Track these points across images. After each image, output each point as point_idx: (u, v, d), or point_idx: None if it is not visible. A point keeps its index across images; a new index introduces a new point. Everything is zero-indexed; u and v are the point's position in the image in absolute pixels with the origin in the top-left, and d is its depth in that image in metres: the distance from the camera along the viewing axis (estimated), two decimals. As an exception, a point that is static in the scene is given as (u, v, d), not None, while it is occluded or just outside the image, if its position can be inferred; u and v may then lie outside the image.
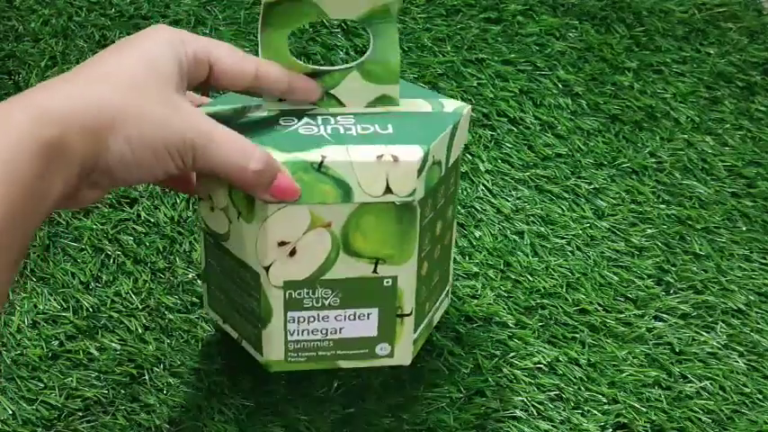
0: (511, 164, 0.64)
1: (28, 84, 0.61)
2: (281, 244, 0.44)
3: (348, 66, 0.46)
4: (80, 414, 0.52)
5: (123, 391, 0.53)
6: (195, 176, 0.47)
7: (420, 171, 0.43)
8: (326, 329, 0.47)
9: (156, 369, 0.54)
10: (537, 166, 0.65)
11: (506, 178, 0.64)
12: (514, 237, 0.62)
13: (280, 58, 0.45)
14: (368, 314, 0.46)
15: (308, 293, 0.45)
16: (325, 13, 0.45)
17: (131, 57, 0.39)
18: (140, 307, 0.56)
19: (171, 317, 0.56)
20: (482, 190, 0.63)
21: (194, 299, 0.56)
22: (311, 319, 0.46)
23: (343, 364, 0.48)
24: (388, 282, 0.45)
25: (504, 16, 0.69)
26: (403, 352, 0.48)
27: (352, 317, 0.46)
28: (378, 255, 0.44)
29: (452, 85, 0.66)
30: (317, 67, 0.46)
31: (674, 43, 0.71)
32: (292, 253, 0.44)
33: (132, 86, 0.38)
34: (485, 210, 0.62)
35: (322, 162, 0.42)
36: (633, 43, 0.70)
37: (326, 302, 0.46)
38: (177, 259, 0.58)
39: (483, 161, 0.64)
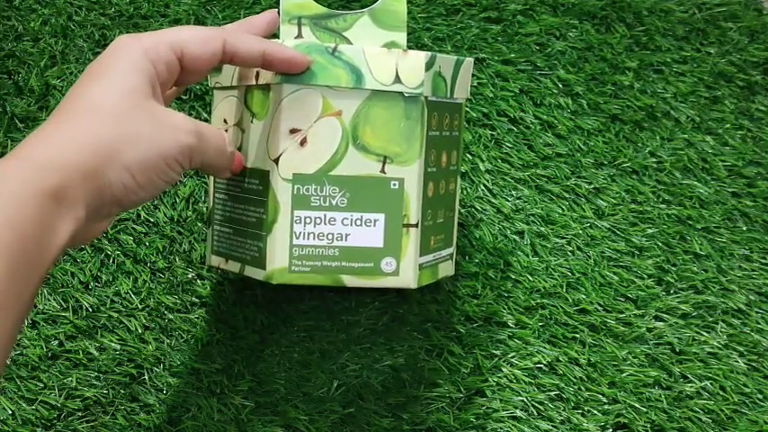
0: (511, 163, 0.64)
1: (28, 83, 0.61)
2: (293, 131, 0.46)
3: (360, 11, 0.49)
4: (80, 414, 0.52)
5: (123, 391, 0.53)
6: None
7: (428, 66, 0.46)
8: (332, 234, 0.46)
9: (155, 369, 0.54)
10: (537, 165, 0.65)
11: (506, 178, 0.64)
12: (514, 236, 0.62)
13: None
14: (374, 220, 0.46)
15: (315, 190, 0.46)
16: None
17: (107, 85, 0.39)
18: (140, 307, 0.56)
19: (171, 317, 0.55)
20: (482, 190, 0.63)
21: (194, 299, 0.56)
22: (318, 220, 0.46)
23: (348, 280, 0.47)
24: (395, 184, 0.46)
25: (504, 16, 0.69)
26: (408, 271, 0.47)
27: (358, 221, 0.46)
28: (385, 152, 0.46)
29: (452, 84, 0.66)
30: (330, 10, 0.49)
31: (675, 43, 0.71)
32: (303, 142, 0.46)
33: (117, 115, 0.39)
34: (485, 209, 0.62)
35: (336, 47, 0.45)
36: (633, 43, 0.70)
37: (334, 202, 0.46)
38: (177, 259, 0.58)
39: (483, 161, 0.64)
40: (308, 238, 0.46)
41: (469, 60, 0.51)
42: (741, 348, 0.59)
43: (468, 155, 0.64)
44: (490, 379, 0.55)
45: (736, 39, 0.72)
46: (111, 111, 0.38)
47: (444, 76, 0.48)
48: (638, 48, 0.70)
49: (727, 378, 0.57)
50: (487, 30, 0.68)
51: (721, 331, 0.59)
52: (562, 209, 0.63)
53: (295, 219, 0.46)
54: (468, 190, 0.63)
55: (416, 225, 0.47)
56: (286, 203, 0.46)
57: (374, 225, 0.47)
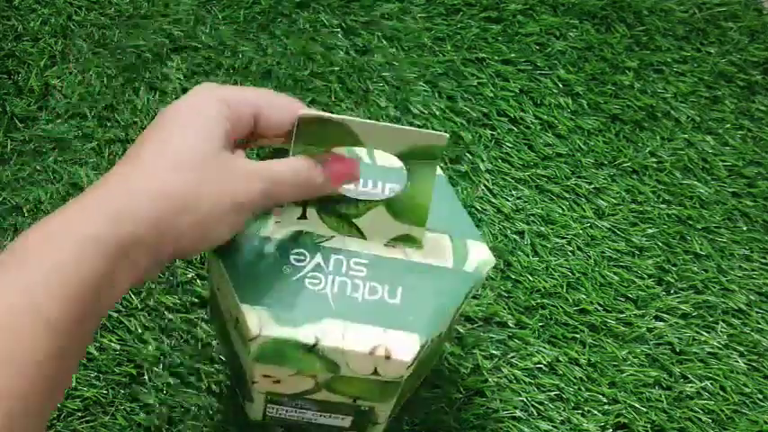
0: (511, 163, 0.64)
1: (27, 83, 0.61)
2: (266, 376, 0.44)
3: (375, 200, 0.43)
4: (79, 414, 0.52)
5: (123, 391, 0.53)
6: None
7: (413, 364, 0.41)
8: (304, 419, 0.49)
9: (155, 369, 0.54)
10: (537, 165, 0.65)
11: (506, 178, 0.64)
12: (515, 236, 0.61)
13: None
14: (343, 418, 0.48)
15: (288, 402, 0.47)
16: (362, 142, 0.42)
17: (184, 136, 0.38)
18: (140, 307, 0.56)
19: (171, 317, 0.55)
20: (482, 189, 0.63)
21: (194, 299, 0.56)
22: (290, 410, 0.48)
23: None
24: (365, 407, 0.46)
25: (504, 15, 0.69)
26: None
27: (328, 417, 0.48)
28: (358, 396, 0.45)
29: (452, 84, 0.66)
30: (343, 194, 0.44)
31: (675, 43, 0.71)
32: (276, 382, 0.44)
33: (193, 169, 0.37)
34: (485, 209, 0.62)
35: (315, 344, 0.40)
36: (633, 43, 0.70)
37: (305, 407, 0.47)
38: (177, 259, 0.58)
39: (483, 161, 0.64)
40: (281, 414, 0.48)
41: (488, 270, 0.44)
42: (741, 348, 0.59)
43: (468, 155, 0.64)
44: (490, 379, 0.55)
45: (737, 39, 0.72)
46: (188, 163, 0.37)
47: (440, 333, 0.43)
48: (638, 47, 0.70)
49: (728, 378, 0.57)
50: (488, 29, 0.68)
51: (721, 331, 0.59)
52: (562, 209, 0.63)
53: (268, 408, 0.48)
54: (469, 190, 0.63)
55: (383, 423, 0.48)
56: (260, 398, 0.47)
57: (343, 420, 0.48)
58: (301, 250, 0.43)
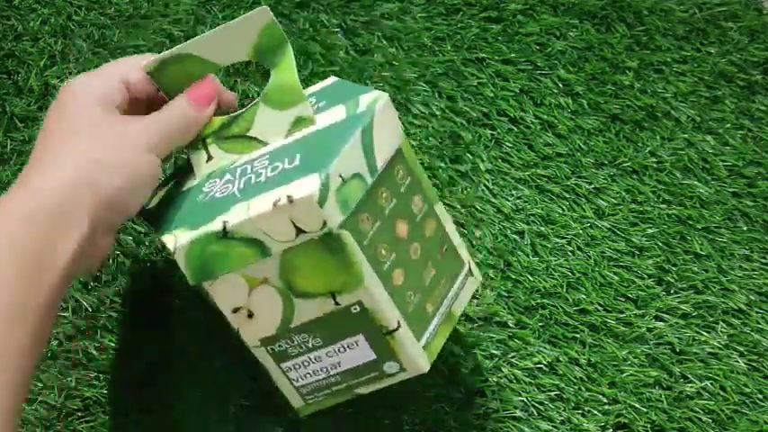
0: (511, 163, 0.64)
1: (27, 83, 0.61)
2: (235, 310, 0.44)
3: (252, 103, 0.46)
4: (79, 414, 0.52)
5: (123, 391, 0.53)
6: None
7: (322, 201, 0.40)
8: (326, 368, 0.46)
9: (155, 369, 0.54)
10: (537, 165, 0.65)
11: (507, 178, 0.64)
12: (515, 236, 0.61)
13: None
14: (355, 341, 0.45)
15: (287, 343, 0.45)
16: (214, 64, 0.46)
17: (69, 118, 0.44)
18: (140, 307, 0.56)
19: (171, 317, 0.55)
20: (482, 189, 0.63)
21: (194, 299, 0.56)
22: (304, 363, 0.46)
23: (362, 390, 0.47)
24: (355, 308, 0.43)
25: (504, 15, 0.69)
26: (413, 362, 0.45)
27: (342, 349, 0.45)
28: (330, 288, 0.43)
29: (452, 84, 0.66)
30: (228, 115, 0.47)
31: (675, 42, 0.71)
32: (250, 315, 0.44)
33: (88, 134, 0.43)
34: (485, 209, 0.62)
35: (224, 228, 0.41)
36: (633, 42, 0.70)
37: (308, 345, 0.45)
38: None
39: (483, 161, 0.64)
40: (307, 378, 0.47)
41: (382, 104, 0.44)
42: (741, 348, 0.59)
43: (468, 154, 0.64)
44: (490, 379, 0.55)
45: (737, 38, 0.72)
46: (80, 132, 0.43)
47: (356, 173, 0.42)
48: (638, 47, 0.70)
49: (728, 378, 0.57)
50: (488, 29, 0.68)
51: (722, 331, 0.59)
52: (562, 209, 0.63)
53: (285, 370, 0.46)
54: (469, 190, 0.63)
55: (398, 327, 0.44)
56: (269, 362, 0.46)
57: (357, 345, 0.45)
58: (213, 180, 0.45)
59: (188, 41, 0.45)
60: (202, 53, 0.46)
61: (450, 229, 0.48)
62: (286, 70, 0.45)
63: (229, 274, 0.43)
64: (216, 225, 0.41)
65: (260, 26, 0.45)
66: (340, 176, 0.41)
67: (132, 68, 0.47)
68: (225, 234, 0.41)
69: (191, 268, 0.43)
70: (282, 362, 0.46)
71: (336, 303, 0.43)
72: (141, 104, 0.48)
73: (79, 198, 0.41)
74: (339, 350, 0.45)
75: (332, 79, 0.50)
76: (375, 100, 0.44)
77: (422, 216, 0.46)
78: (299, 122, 0.45)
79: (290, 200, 0.40)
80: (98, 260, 0.44)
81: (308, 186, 0.40)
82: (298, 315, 0.44)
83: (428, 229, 0.47)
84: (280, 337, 0.45)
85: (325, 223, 0.40)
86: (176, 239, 0.42)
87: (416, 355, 0.45)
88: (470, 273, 0.49)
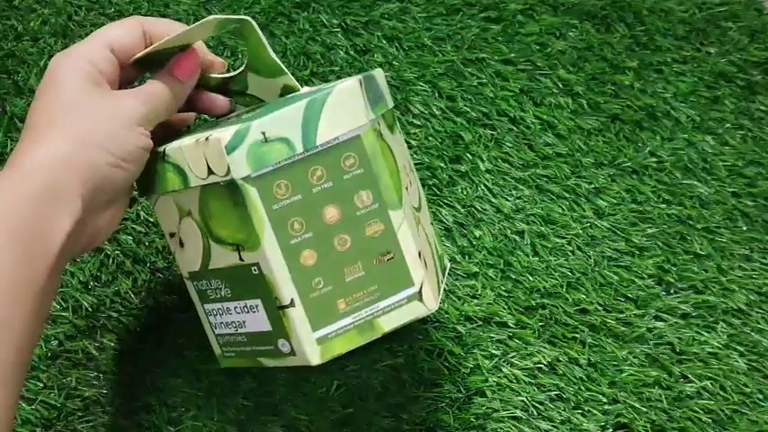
0: (511, 163, 0.64)
1: (27, 83, 0.61)
2: (171, 235, 0.47)
3: (240, 70, 0.50)
4: (79, 414, 0.52)
5: (123, 391, 0.53)
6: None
7: (231, 149, 0.42)
8: (234, 323, 0.47)
9: (155, 369, 0.54)
10: (537, 165, 0.65)
11: (506, 178, 0.64)
12: (515, 236, 0.61)
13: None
14: (255, 305, 0.45)
15: (207, 284, 0.47)
16: (188, 45, 0.48)
17: (60, 91, 0.44)
18: (140, 306, 0.56)
19: (171, 317, 0.55)
20: (482, 189, 0.63)
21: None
22: (219, 311, 0.47)
23: (265, 361, 0.47)
24: (254, 269, 0.44)
25: (504, 15, 0.69)
26: (301, 349, 0.44)
27: (245, 309, 0.46)
28: (235, 240, 0.44)
29: (452, 84, 0.66)
30: (225, 75, 0.50)
31: (675, 42, 0.71)
32: (181, 243, 0.47)
33: (76, 110, 0.43)
34: (485, 209, 0.62)
35: (164, 151, 0.45)
36: (633, 43, 0.70)
37: (221, 294, 0.47)
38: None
39: (483, 160, 0.64)
40: (222, 328, 0.48)
41: (346, 85, 0.44)
42: (741, 348, 0.59)
43: (468, 154, 0.64)
44: (490, 379, 0.55)
45: (737, 38, 0.72)
46: (70, 108, 0.43)
47: (285, 138, 0.43)
48: (638, 47, 0.70)
49: (728, 378, 0.57)
50: (487, 29, 0.68)
51: (721, 331, 0.59)
52: (562, 209, 0.63)
53: (206, 311, 0.48)
54: (468, 189, 0.63)
55: (291, 304, 0.44)
56: (196, 299, 0.49)
57: (257, 310, 0.45)
58: (210, 127, 0.49)
59: (169, 37, 0.46)
60: (185, 42, 0.48)
61: (409, 244, 0.45)
62: (256, 46, 0.48)
63: (164, 195, 0.47)
64: (161, 149, 0.46)
65: (213, 24, 0.47)
66: (262, 133, 0.42)
67: (120, 34, 0.46)
68: (164, 156, 0.45)
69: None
70: (204, 303, 0.48)
71: (241, 259, 0.44)
72: (126, 70, 0.48)
73: (70, 176, 0.41)
74: (243, 309, 0.46)
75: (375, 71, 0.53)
76: (343, 84, 0.44)
77: (365, 213, 0.45)
78: (286, 90, 0.50)
79: (206, 138, 0.43)
80: (99, 237, 0.45)
81: (224, 133, 0.42)
82: (214, 259, 0.46)
83: (369, 230, 0.45)
84: (201, 276, 0.47)
85: (229, 170, 0.42)
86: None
87: (306, 342, 0.44)
88: (419, 298, 0.46)
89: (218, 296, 0.47)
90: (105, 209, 0.44)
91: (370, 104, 0.45)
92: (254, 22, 0.47)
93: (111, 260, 0.57)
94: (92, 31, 0.64)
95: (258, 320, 0.46)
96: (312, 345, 0.44)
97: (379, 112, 0.46)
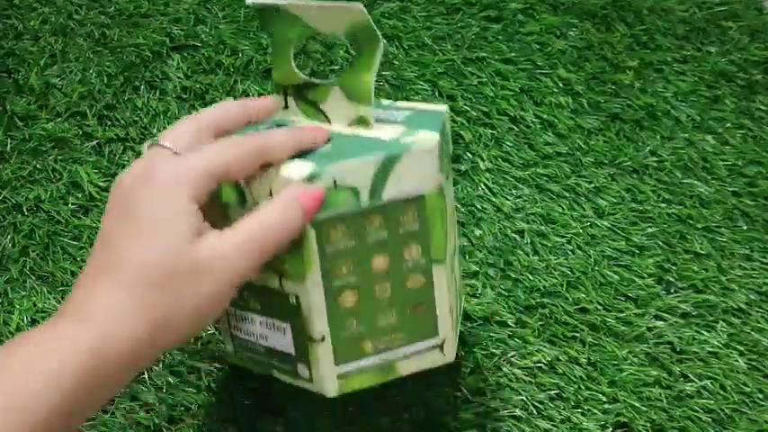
0: (511, 162, 0.64)
1: (28, 82, 0.61)
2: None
3: (330, 81, 0.47)
4: (79, 413, 0.52)
5: (123, 391, 0.53)
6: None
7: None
8: (255, 333, 0.47)
9: (155, 368, 0.54)
10: (537, 164, 0.65)
11: (507, 177, 0.64)
12: (515, 235, 0.61)
13: (285, 64, 0.47)
14: (283, 328, 0.46)
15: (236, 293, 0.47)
16: (312, 27, 0.46)
17: (154, 242, 0.38)
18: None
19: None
20: (482, 188, 0.63)
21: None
22: (242, 317, 0.47)
23: (278, 375, 0.47)
24: (293, 299, 0.44)
25: (504, 15, 0.69)
26: (320, 381, 0.45)
27: (271, 326, 0.46)
28: (279, 268, 0.44)
29: (453, 83, 0.66)
30: (308, 79, 0.47)
31: (675, 42, 0.71)
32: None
33: (166, 280, 0.37)
34: (485, 208, 0.62)
35: None
36: (634, 42, 0.70)
37: (249, 305, 0.46)
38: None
39: (483, 160, 0.64)
40: (241, 333, 0.48)
41: (422, 149, 0.43)
42: (741, 347, 0.59)
43: (468, 154, 0.64)
44: (490, 378, 0.55)
45: (737, 38, 0.72)
46: (162, 275, 0.37)
47: (353, 187, 0.42)
48: (638, 47, 0.70)
49: (728, 377, 0.57)
50: (488, 29, 0.68)
51: (721, 330, 0.59)
52: (562, 208, 0.63)
53: (228, 312, 0.48)
54: (469, 189, 0.63)
55: (321, 339, 0.44)
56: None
57: (284, 333, 0.46)
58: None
59: (293, 3, 0.45)
60: (303, 16, 0.46)
61: (443, 300, 0.46)
62: (365, 67, 0.46)
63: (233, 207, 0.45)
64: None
65: (355, 17, 0.44)
66: (334, 180, 0.42)
67: (235, 162, 0.41)
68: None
69: None
70: (230, 306, 0.48)
71: (281, 285, 0.44)
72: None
73: (141, 354, 0.37)
74: (269, 326, 0.46)
75: (441, 107, 0.50)
76: (421, 143, 0.44)
77: (411, 266, 0.45)
78: (360, 120, 0.47)
79: (277, 173, 0.42)
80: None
81: (300, 170, 0.42)
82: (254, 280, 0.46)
83: (410, 282, 0.46)
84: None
85: (297, 205, 0.42)
86: None
87: (326, 376, 0.45)
88: (441, 350, 0.48)
89: (246, 306, 0.47)
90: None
91: (440, 164, 0.45)
92: (385, 45, 0.46)
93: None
94: (92, 30, 0.64)
95: (282, 341, 0.46)
96: (333, 380, 0.45)
97: (446, 168, 0.46)
